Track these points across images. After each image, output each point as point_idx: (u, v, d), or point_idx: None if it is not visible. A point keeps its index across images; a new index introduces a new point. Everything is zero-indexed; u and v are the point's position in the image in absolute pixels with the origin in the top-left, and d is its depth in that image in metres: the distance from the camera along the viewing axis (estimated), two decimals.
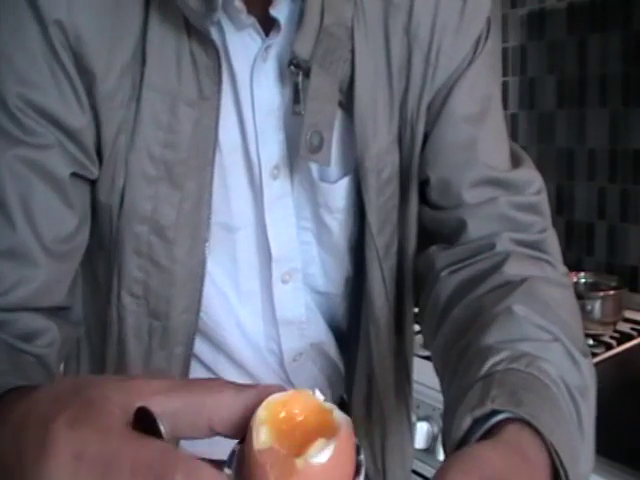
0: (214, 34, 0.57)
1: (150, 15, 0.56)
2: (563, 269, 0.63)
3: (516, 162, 0.66)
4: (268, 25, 0.58)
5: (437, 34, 0.62)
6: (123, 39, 0.56)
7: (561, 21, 1.64)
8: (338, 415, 0.37)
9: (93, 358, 0.72)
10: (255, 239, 0.66)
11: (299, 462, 0.33)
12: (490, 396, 0.44)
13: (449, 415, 0.47)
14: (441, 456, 1.20)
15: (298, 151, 0.59)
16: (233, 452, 0.37)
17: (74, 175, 0.58)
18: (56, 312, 0.59)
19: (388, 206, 0.65)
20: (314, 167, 0.64)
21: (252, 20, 0.58)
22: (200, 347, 0.70)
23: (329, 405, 0.38)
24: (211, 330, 0.69)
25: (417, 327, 0.78)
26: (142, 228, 0.60)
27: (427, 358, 1.32)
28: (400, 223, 0.68)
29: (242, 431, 0.36)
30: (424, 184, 0.66)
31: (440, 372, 0.59)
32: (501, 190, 0.64)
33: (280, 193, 0.65)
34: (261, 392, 0.37)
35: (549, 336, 0.51)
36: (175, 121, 0.58)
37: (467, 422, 0.44)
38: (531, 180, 0.65)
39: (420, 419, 1.26)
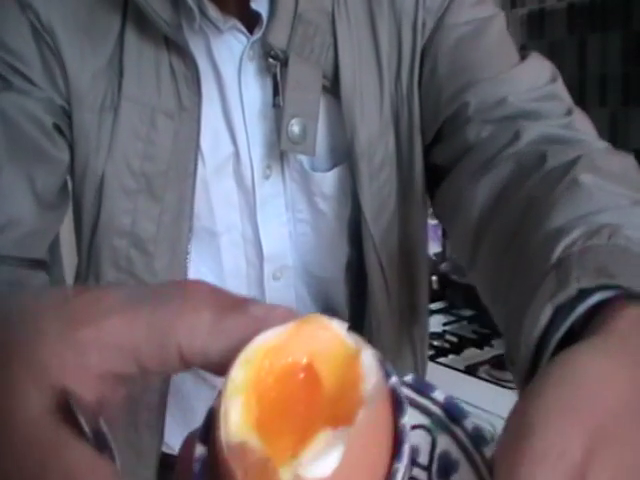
0: (197, 41, 0.57)
1: (127, 26, 0.56)
2: (605, 144, 0.53)
3: (522, 58, 0.61)
4: (252, 21, 0.57)
5: None
6: (97, 44, 0.57)
7: (561, 21, 1.63)
8: (367, 362, 0.24)
9: None
10: (242, 241, 0.66)
11: (285, 475, 0.21)
12: (573, 276, 0.33)
13: (512, 330, 0.37)
14: None
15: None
16: (209, 414, 0.26)
17: (56, 127, 0.58)
18: (39, 265, 0.59)
19: (383, 193, 0.63)
20: (304, 158, 0.62)
21: (232, 22, 0.57)
22: None
23: (354, 341, 0.25)
24: None
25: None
26: (121, 242, 0.60)
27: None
28: (401, 208, 0.65)
29: (224, 367, 0.25)
30: (438, 133, 0.61)
31: (490, 295, 0.48)
32: (508, 87, 0.57)
33: (272, 192, 0.64)
34: (254, 322, 0.27)
35: (627, 201, 0.42)
36: (154, 132, 0.57)
37: (547, 313, 0.33)
38: (540, 70, 0.59)
39: None
